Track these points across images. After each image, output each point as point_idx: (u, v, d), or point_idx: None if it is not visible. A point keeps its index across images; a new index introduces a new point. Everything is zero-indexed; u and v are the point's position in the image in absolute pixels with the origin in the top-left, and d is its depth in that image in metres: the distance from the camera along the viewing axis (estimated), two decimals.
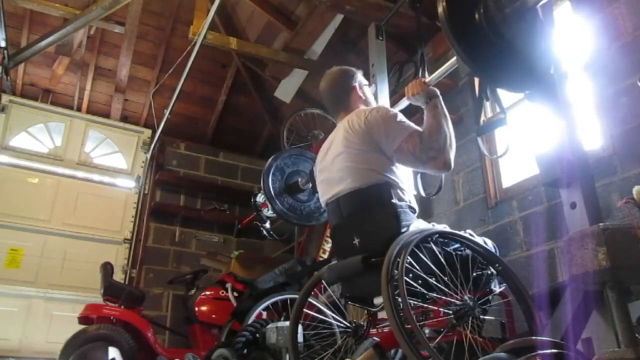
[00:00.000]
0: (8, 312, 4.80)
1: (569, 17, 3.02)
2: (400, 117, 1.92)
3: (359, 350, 1.97)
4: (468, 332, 1.61)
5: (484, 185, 3.39)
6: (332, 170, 2.02)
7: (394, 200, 1.82)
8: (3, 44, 4.16)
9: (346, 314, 2.27)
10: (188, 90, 5.62)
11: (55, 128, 5.66)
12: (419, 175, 2.46)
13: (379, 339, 1.86)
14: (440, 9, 1.70)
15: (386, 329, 2.06)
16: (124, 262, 5.42)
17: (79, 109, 5.79)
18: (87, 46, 5.35)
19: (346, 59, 4.65)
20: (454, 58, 2.02)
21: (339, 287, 2.18)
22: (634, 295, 1.35)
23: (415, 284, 1.62)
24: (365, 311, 2.03)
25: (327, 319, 2.43)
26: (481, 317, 1.70)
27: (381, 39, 3.50)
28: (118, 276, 5.10)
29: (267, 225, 3.67)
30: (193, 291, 4.33)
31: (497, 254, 1.90)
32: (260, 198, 3.65)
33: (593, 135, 2.71)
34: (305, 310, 2.15)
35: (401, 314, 1.50)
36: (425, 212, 3.71)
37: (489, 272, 1.84)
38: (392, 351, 2.09)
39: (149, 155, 5.83)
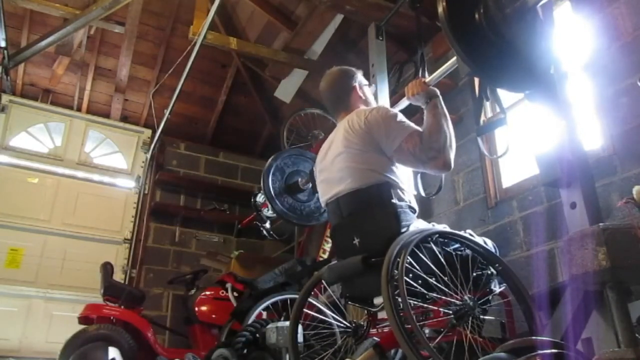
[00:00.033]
0: (8, 312, 4.80)
1: (569, 17, 3.02)
2: (400, 117, 1.92)
3: (359, 350, 1.97)
4: (468, 332, 1.61)
5: (484, 185, 3.39)
6: (332, 170, 2.02)
7: (394, 200, 1.83)
8: (3, 44, 4.16)
9: (346, 314, 2.27)
10: (188, 90, 5.62)
11: (55, 128, 5.66)
12: (419, 175, 2.46)
13: (379, 339, 1.86)
14: (440, 9, 1.70)
15: (386, 329, 2.06)
16: (124, 262, 5.42)
17: (79, 109, 5.79)
18: (87, 46, 5.35)
19: (346, 59, 4.65)
20: (454, 58, 2.02)
21: (339, 287, 2.18)
22: (634, 295, 1.35)
23: (415, 284, 1.62)
24: (365, 311, 2.03)
25: (327, 319, 2.43)
26: (481, 317, 1.70)
27: (381, 39, 3.50)
28: (118, 276, 5.10)
29: (267, 225, 3.67)
30: (193, 291, 4.33)
31: (497, 254, 1.90)
32: (260, 198, 3.65)
33: (593, 135, 2.71)
34: (305, 310, 2.15)
35: (401, 314, 1.50)
36: (425, 212, 3.71)
37: (489, 272, 1.84)
38: (392, 351, 2.09)
39: (149, 155, 5.83)
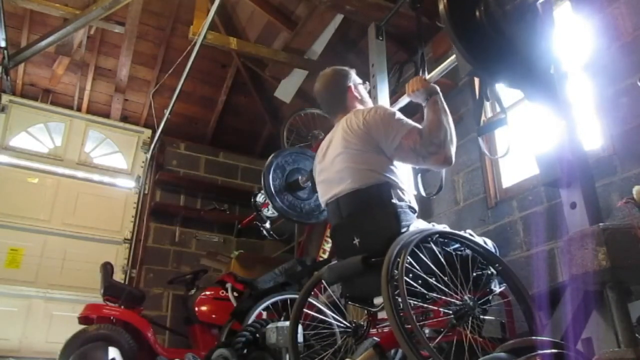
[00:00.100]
0: (8, 312, 4.80)
1: (569, 17, 3.02)
2: (399, 115, 1.92)
3: (359, 350, 1.97)
4: (468, 332, 1.61)
5: (484, 185, 3.39)
6: (331, 171, 2.02)
7: (394, 201, 1.83)
8: (3, 44, 4.16)
9: (346, 314, 2.27)
10: (188, 90, 5.62)
11: (55, 128, 5.66)
12: (419, 175, 2.46)
13: (379, 339, 1.86)
14: (441, 7, 1.70)
15: (386, 329, 2.06)
16: (124, 262, 5.42)
17: (79, 109, 5.79)
18: (87, 46, 5.35)
19: (346, 59, 4.65)
20: (454, 56, 2.02)
21: (339, 287, 2.18)
22: (634, 295, 1.35)
23: (415, 284, 1.62)
24: (365, 311, 2.03)
25: (327, 319, 2.43)
26: (481, 317, 1.70)
27: (381, 39, 3.49)
28: (118, 276, 5.10)
29: (267, 225, 3.67)
30: (193, 291, 4.33)
31: (497, 254, 1.90)
32: (260, 198, 3.65)
33: (593, 135, 2.71)
34: (305, 310, 2.15)
35: (401, 314, 1.50)
36: (425, 212, 3.71)
37: (489, 272, 1.84)
38: (392, 351, 2.09)
39: (149, 155, 5.83)
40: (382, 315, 2.00)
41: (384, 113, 1.94)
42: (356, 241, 1.85)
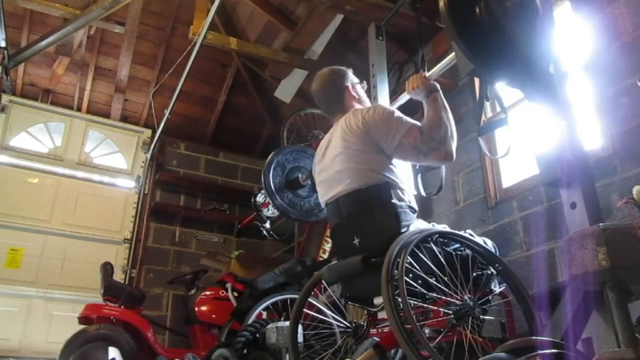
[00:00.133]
0: (8, 312, 4.80)
1: (569, 17, 3.02)
2: (397, 113, 1.93)
3: (359, 350, 1.97)
4: (468, 332, 1.61)
5: (484, 185, 3.39)
6: (331, 171, 2.01)
7: (394, 201, 1.83)
8: (3, 44, 4.16)
9: (346, 314, 2.27)
10: (188, 90, 5.62)
11: (55, 128, 5.66)
12: (419, 175, 2.46)
13: (379, 339, 1.86)
14: (441, 3, 1.70)
15: (386, 329, 2.06)
16: (124, 262, 5.42)
17: (79, 109, 5.79)
18: (87, 46, 5.35)
19: (346, 59, 4.65)
20: (453, 54, 2.02)
21: (339, 287, 2.18)
22: (634, 295, 1.35)
23: (415, 284, 1.62)
24: (365, 311, 2.03)
25: (327, 319, 2.43)
26: (481, 317, 1.70)
27: (381, 39, 3.49)
28: (118, 276, 5.10)
29: (267, 225, 3.67)
30: (193, 291, 4.33)
31: (497, 254, 1.90)
32: (260, 198, 3.65)
33: (593, 135, 2.71)
34: (305, 310, 2.15)
35: (401, 314, 1.50)
36: (425, 212, 3.71)
37: (489, 272, 1.84)
38: (392, 351, 2.09)
39: (149, 155, 5.83)
40: (382, 315, 2.00)
41: (383, 112, 1.94)
42: (356, 241, 1.85)
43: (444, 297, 1.65)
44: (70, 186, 5.52)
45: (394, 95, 3.45)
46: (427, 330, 1.88)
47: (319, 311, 2.49)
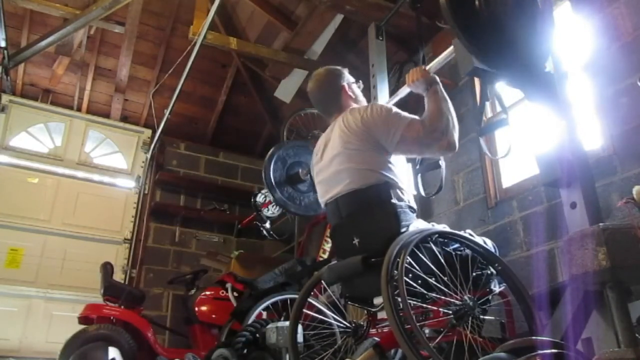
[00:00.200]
0: (8, 312, 4.80)
1: (569, 17, 3.02)
2: (395, 110, 1.94)
3: (359, 350, 1.97)
4: (468, 332, 1.61)
5: (484, 185, 3.38)
6: (330, 171, 2.01)
7: (394, 200, 1.82)
8: (3, 44, 4.16)
9: (346, 314, 2.27)
10: (188, 90, 5.62)
11: (55, 128, 5.66)
12: (419, 175, 2.46)
13: (379, 339, 1.86)
14: (442, 0, 1.70)
15: (386, 329, 2.06)
16: (124, 262, 5.42)
17: (79, 109, 5.79)
18: (87, 46, 5.35)
19: (346, 59, 4.65)
20: (451, 47, 2.03)
21: (339, 287, 2.18)
22: (634, 295, 1.35)
23: (415, 284, 1.62)
24: (365, 311, 2.03)
25: (327, 319, 2.43)
26: (481, 317, 1.70)
27: (381, 39, 3.50)
28: (118, 276, 5.10)
29: (267, 225, 3.67)
30: (193, 291, 4.33)
31: (497, 254, 1.90)
32: (260, 198, 3.65)
33: (593, 135, 2.71)
34: (305, 310, 2.15)
35: (401, 314, 1.50)
36: (425, 212, 3.71)
37: (489, 272, 1.84)
38: (392, 351, 2.09)
39: (149, 155, 5.83)
40: (382, 315, 2.00)
41: (382, 109, 1.94)
42: (356, 241, 1.85)
43: (443, 297, 1.65)
44: (70, 186, 5.52)
45: (393, 95, 3.46)
46: (427, 330, 1.88)
47: (319, 311, 2.49)
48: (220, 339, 3.73)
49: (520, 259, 2.95)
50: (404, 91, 2.47)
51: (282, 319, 3.03)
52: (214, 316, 4.06)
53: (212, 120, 6.24)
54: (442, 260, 1.69)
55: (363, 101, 2.23)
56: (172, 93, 4.75)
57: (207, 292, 4.17)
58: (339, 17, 4.32)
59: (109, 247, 5.44)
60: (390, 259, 1.58)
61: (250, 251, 5.55)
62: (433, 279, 1.65)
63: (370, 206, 1.85)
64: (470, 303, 1.65)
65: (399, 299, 1.51)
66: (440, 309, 1.70)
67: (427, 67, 2.11)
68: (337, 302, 2.30)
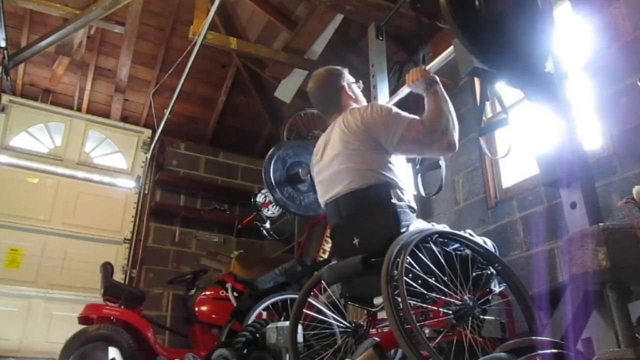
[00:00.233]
0: (8, 312, 4.80)
1: (569, 17, 3.02)
2: (395, 109, 1.93)
3: (359, 350, 1.96)
4: (468, 332, 1.61)
5: (484, 185, 3.38)
6: (330, 171, 2.01)
7: (394, 200, 1.82)
8: (3, 44, 4.16)
9: (346, 314, 2.27)
10: (188, 90, 5.62)
11: (55, 128, 5.66)
12: (419, 175, 2.46)
13: (379, 339, 1.86)
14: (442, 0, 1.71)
15: (386, 329, 2.06)
16: (124, 262, 5.42)
17: (79, 109, 5.79)
18: (87, 46, 5.35)
19: (346, 59, 4.65)
20: (451, 47, 2.03)
21: (339, 287, 2.18)
22: (634, 295, 1.35)
23: (415, 284, 1.62)
24: (365, 311, 2.03)
25: (327, 319, 2.43)
26: (481, 317, 1.70)
27: (381, 39, 3.50)
28: (118, 276, 5.10)
29: (267, 225, 3.67)
30: (193, 291, 4.33)
31: (497, 254, 1.90)
32: (260, 198, 3.65)
33: (593, 135, 2.71)
34: (305, 310, 2.15)
35: (401, 314, 1.50)
36: (425, 212, 3.71)
37: (489, 272, 1.83)
38: (392, 351, 2.09)
39: (149, 155, 5.83)
40: (382, 315, 2.00)
41: (382, 109, 1.94)
42: (356, 241, 1.85)
43: (443, 297, 1.65)
44: (70, 186, 5.52)
45: (393, 95, 3.46)
46: (427, 330, 1.88)
47: (319, 311, 2.49)
48: (220, 339, 3.73)
49: (520, 259, 2.95)
50: (404, 91, 2.47)
51: (282, 319, 3.03)
52: (214, 316, 4.06)
53: (212, 120, 6.24)
54: (442, 260, 1.69)
55: (363, 101, 2.23)
56: (172, 93, 4.75)
57: (207, 292, 4.17)
58: (339, 17, 4.32)
59: (109, 247, 5.44)
60: (390, 259, 1.58)
61: (250, 251, 5.55)
62: (433, 279, 1.65)
63: (370, 206, 1.85)
64: (470, 303, 1.65)
65: (399, 299, 1.51)
66: (440, 309, 1.70)
67: (427, 67, 2.11)
68: (337, 302, 2.30)
